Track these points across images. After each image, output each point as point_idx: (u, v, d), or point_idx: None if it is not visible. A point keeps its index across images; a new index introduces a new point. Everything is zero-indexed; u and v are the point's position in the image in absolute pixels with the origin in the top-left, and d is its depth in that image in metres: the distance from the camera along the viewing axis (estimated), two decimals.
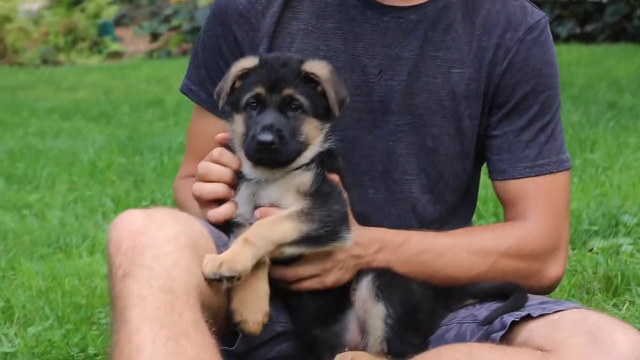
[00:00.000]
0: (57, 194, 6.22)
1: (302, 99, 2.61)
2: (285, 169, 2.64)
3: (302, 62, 2.65)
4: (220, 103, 2.67)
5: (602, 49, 12.89)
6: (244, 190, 2.69)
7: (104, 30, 17.98)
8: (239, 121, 2.66)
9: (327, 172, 2.68)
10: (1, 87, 13.19)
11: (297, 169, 2.65)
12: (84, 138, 8.52)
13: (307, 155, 2.65)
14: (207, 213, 2.70)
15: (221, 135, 2.75)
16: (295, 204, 2.62)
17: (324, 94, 2.64)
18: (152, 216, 2.52)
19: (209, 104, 2.98)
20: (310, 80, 2.64)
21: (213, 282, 2.48)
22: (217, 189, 2.69)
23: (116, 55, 17.58)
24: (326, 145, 2.69)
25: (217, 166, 2.70)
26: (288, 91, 2.61)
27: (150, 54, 17.26)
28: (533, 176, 2.86)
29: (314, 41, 2.87)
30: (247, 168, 2.67)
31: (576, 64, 11.28)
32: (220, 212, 2.69)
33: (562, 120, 2.94)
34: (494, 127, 2.88)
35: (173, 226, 2.51)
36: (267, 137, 2.54)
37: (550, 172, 2.87)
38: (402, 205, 2.91)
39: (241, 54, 2.86)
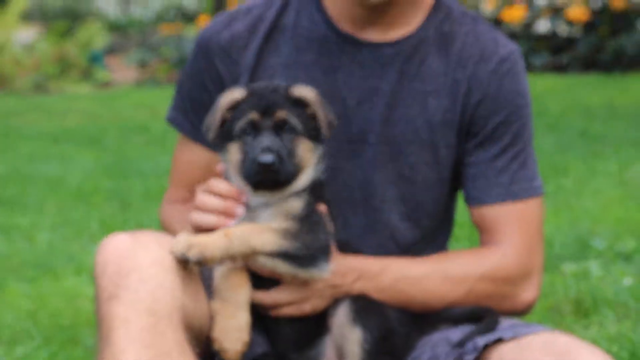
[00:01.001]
0: (45, 217, 6.24)
1: (294, 121, 2.66)
2: (282, 192, 2.68)
3: (289, 87, 2.72)
4: (210, 136, 2.71)
5: (574, 79, 12.97)
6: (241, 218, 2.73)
7: (94, 59, 18.01)
8: (233, 149, 2.70)
9: (316, 202, 2.72)
10: None
11: (290, 195, 2.69)
12: (72, 162, 8.52)
13: (304, 178, 2.70)
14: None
15: (220, 167, 2.79)
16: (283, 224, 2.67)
17: (313, 116, 2.70)
18: (137, 239, 2.56)
19: (193, 135, 3.03)
20: (300, 104, 2.69)
21: (179, 259, 2.52)
22: (210, 221, 2.72)
23: (106, 83, 17.60)
24: (320, 169, 2.74)
25: (213, 197, 2.74)
26: (281, 114, 2.65)
27: (139, 83, 17.28)
28: (507, 201, 2.90)
29: (294, 73, 2.91)
30: (247, 192, 2.71)
31: (550, 92, 11.31)
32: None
33: (536, 147, 2.98)
34: (470, 155, 2.93)
35: (158, 249, 2.55)
36: (267, 158, 2.59)
37: (523, 198, 2.91)
38: (382, 232, 2.95)
39: (223, 88, 2.90)
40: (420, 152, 2.92)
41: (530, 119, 2.98)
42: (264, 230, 2.62)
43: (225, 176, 2.76)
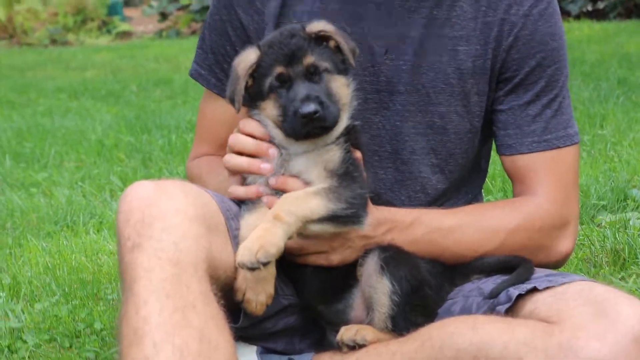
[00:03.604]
0: (64, 173, 6.23)
1: (322, 62, 2.59)
2: (325, 138, 2.62)
3: (304, 27, 2.64)
4: (236, 106, 2.64)
5: (613, 25, 12.84)
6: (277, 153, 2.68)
7: (112, 10, 17.98)
8: (268, 107, 2.63)
9: (352, 149, 2.67)
10: (10, 67, 13.23)
11: (328, 143, 2.64)
12: (92, 117, 8.53)
13: (344, 118, 2.64)
14: (230, 187, 2.72)
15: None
16: (319, 179, 2.61)
17: (337, 48, 2.63)
18: (162, 188, 2.52)
19: (219, 89, 2.99)
20: (321, 40, 2.63)
21: (250, 270, 2.48)
22: (242, 163, 2.69)
23: (125, 35, 17.58)
24: (354, 104, 2.67)
25: (243, 136, 2.70)
26: (309, 59, 2.59)
27: (159, 34, 17.25)
28: (540, 151, 2.85)
29: None
30: (284, 140, 2.65)
31: (587, 41, 11.23)
32: (239, 192, 2.70)
33: (572, 97, 2.92)
34: (501, 102, 2.87)
35: (183, 198, 2.51)
36: (309, 107, 2.52)
37: (558, 147, 2.85)
38: (412, 185, 2.91)
39: (247, 38, 2.87)
40: (451, 101, 2.85)
41: (566, 63, 2.90)
42: (309, 196, 2.56)
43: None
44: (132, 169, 6.21)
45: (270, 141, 2.67)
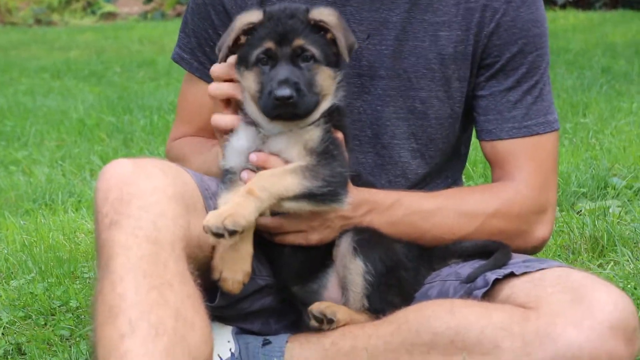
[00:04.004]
0: (45, 151, 6.22)
1: (313, 48, 2.56)
2: (301, 122, 2.60)
3: (308, 10, 2.60)
4: (220, 56, 2.61)
5: (598, 15, 12.88)
6: (248, 131, 2.65)
7: None
8: (250, 78, 2.60)
9: (334, 129, 2.65)
10: None
11: (308, 124, 2.61)
12: (74, 97, 8.50)
13: (323, 107, 2.61)
14: (213, 116, 2.70)
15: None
16: (299, 158, 2.59)
17: (333, 40, 2.59)
18: (140, 166, 2.51)
19: (201, 72, 2.97)
20: (319, 29, 2.59)
21: (215, 235, 2.45)
22: (229, 88, 2.66)
23: (110, 16, 17.49)
24: (340, 95, 2.65)
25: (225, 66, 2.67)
26: (299, 42, 2.55)
27: (144, 16, 17.17)
28: (520, 137, 2.84)
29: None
30: (259, 117, 2.62)
31: (572, 30, 11.27)
32: (225, 119, 2.68)
33: (556, 85, 2.92)
34: (482, 88, 2.86)
35: (161, 176, 2.49)
36: (284, 91, 2.49)
37: (538, 133, 2.85)
38: (392, 169, 2.90)
39: (229, 21, 2.80)
40: (432, 86, 2.84)
41: (547, 50, 2.89)
42: (285, 173, 2.54)
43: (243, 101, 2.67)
44: (113, 149, 6.20)
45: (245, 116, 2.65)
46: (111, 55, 11.67)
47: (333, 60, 2.61)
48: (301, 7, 2.62)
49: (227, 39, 2.61)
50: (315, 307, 2.66)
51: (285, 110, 2.54)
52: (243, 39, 2.61)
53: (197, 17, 2.95)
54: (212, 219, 2.44)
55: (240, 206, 2.46)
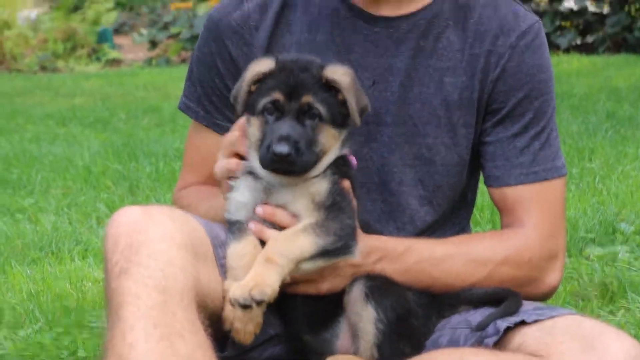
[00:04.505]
0: (51, 199, 6.20)
1: (320, 107, 2.55)
2: (299, 177, 2.59)
3: (323, 67, 2.59)
4: (238, 109, 2.62)
5: (602, 59, 12.92)
6: (251, 183, 2.65)
7: (102, 37, 17.98)
8: (255, 125, 2.60)
9: (340, 179, 2.64)
10: None
11: (313, 177, 2.61)
12: (79, 144, 8.50)
13: (323, 164, 2.60)
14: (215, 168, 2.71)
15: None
16: (306, 212, 2.59)
17: (344, 101, 2.58)
18: (149, 213, 2.51)
19: (207, 121, 2.99)
20: (331, 87, 2.58)
21: (243, 307, 2.45)
22: (232, 163, 2.67)
23: (115, 62, 17.58)
24: (342, 152, 2.64)
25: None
26: (307, 98, 2.54)
27: (148, 62, 17.27)
28: (528, 183, 2.84)
29: (307, 53, 2.81)
30: (260, 171, 2.62)
31: (576, 74, 11.29)
32: (224, 164, 2.68)
33: (561, 130, 2.93)
34: (488, 134, 2.87)
35: (170, 224, 2.50)
36: (283, 148, 2.49)
37: (546, 179, 2.85)
38: (400, 217, 2.90)
39: (236, 70, 2.86)
40: (438, 133, 2.84)
41: (553, 95, 2.90)
42: (298, 235, 2.54)
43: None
44: (119, 197, 6.19)
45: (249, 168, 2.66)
46: (116, 101, 11.70)
47: (340, 120, 2.59)
48: (316, 62, 2.61)
49: (240, 91, 2.61)
50: None
51: (281, 167, 2.53)
52: (253, 87, 2.61)
53: (203, 67, 2.97)
54: (238, 291, 2.44)
55: (263, 276, 2.47)
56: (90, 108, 11.11)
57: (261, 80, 2.60)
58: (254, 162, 2.62)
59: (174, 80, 13.27)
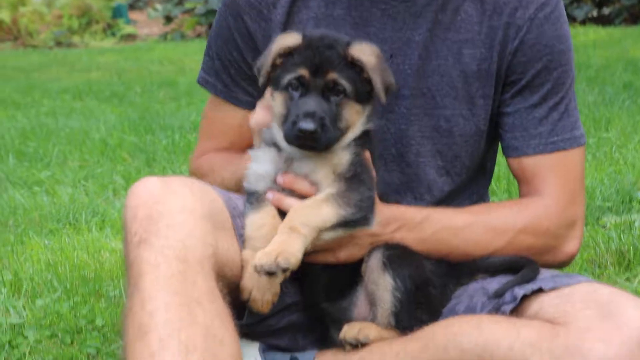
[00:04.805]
0: (68, 171, 6.24)
1: (345, 83, 2.56)
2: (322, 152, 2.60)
3: (349, 44, 2.60)
4: (261, 80, 2.63)
5: (619, 31, 12.87)
6: (271, 154, 2.66)
7: (117, 12, 18.00)
8: (278, 100, 2.61)
9: (362, 151, 2.65)
10: (14, 68, 13.26)
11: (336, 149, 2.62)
12: (95, 118, 8.54)
13: (348, 138, 2.62)
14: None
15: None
16: (327, 182, 2.60)
17: (369, 79, 2.58)
18: (169, 184, 2.53)
19: (225, 95, 2.99)
20: (356, 65, 2.59)
21: (268, 274, 2.47)
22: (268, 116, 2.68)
23: (130, 37, 17.61)
24: (365, 128, 2.65)
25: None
26: (332, 75, 2.55)
27: (164, 37, 17.27)
28: (547, 153, 2.84)
29: (326, 29, 2.82)
30: (283, 143, 2.63)
31: (592, 46, 11.25)
32: (261, 116, 2.70)
33: (578, 101, 2.91)
34: (507, 105, 2.86)
35: (189, 195, 2.51)
36: (309, 125, 2.50)
37: (564, 149, 2.85)
38: (417, 188, 2.90)
39: (254, 45, 2.87)
40: (456, 105, 2.84)
41: (572, 65, 2.89)
42: (319, 204, 2.56)
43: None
44: (135, 169, 6.22)
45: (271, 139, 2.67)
46: (132, 76, 11.73)
47: (364, 96, 2.61)
48: (342, 40, 2.62)
49: (265, 62, 2.62)
50: (349, 335, 2.66)
51: (305, 143, 2.54)
52: (279, 61, 2.62)
53: (221, 41, 2.97)
54: (264, 258, 2.45)
55: (287, 244, 2.48)
56: (106, 82, 11.15)
57: (287, 55, 2.61)
58: (277, 134, 2.64)
59: (189, 55, 13.29)
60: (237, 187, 2.80)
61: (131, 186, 2.55)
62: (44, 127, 8.02)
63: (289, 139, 2.56)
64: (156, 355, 2.27)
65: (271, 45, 2.63)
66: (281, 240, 2.50)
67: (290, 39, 2.61)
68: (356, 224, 2.61)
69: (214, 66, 3.00)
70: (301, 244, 2.49)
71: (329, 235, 2.59)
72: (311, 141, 2.52)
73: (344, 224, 2.58)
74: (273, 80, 2.63)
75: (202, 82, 3.05)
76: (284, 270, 2.45)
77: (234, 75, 2.96)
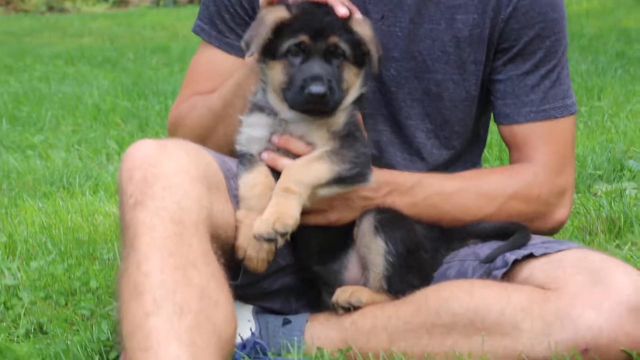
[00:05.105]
0: (61, 136, 6.25)
1: (345, 47, 2.58)
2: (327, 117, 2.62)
3: (347, 19, 2.61)
4: (251, 51, 2.62)
5: (612, 1, 12.83)
6: (266, 119, 2.67)
7: None
8: (276, 69, 2.62)
9: (355, 111, 2.67)
10: (6, 33, 13.21)
11: None
12: (88, 83, 8.53)
13: (347, 101, 2.64)
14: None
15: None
16: (321, 141, 2.62)
17: (363, 42, 2.61)
18: (164, 147, 2.53)
19: (219, 41, 2.99)
20: (352, 32, 2.61)
21: (268, 241, 2.49)
22: None
23: (122, 3, 17.51)
24: (361, 91, 2.68)
25: None
26: (333, 39, 2.57)
27: (156, 3, 17.19)
28: (538, 121, 2.85)
29: None
30: (278, 105, 2.64)
31: (586, 15, 11.27)
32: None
33: (570, 69, 2.91)
34: (499, 72, 2.87)
35: (185, 158, 2.52)
36: (319, 88, 2.52)
37: (555, 117, 2.86)
38: (407, 150, 2.92)
39: None
40: (447, 69, 2.85)
41: (565, 34, 2.89)
42: (313, 162, 2.57)
43: (260, 91, 2.69)
44: (128, 133, 6.22)
45: (267, 105, 2.67)
46: (124, 41, 11.70)
47: (360, 59, 2.63)
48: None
49: (259, 33, 2.60)
50: (341, 298, 2.69)
51: (315, 106, 2.56)
52: (271, 34, 2.61)
53: None
54: (262, 226, 2.48)
55: (283, 206, 2.50)
56: (99, 48, 11.12)
57: (279, 27, 2.61)
58: (273, 101, 2.65)
59: (182, 20, 13.25)
60: (225, 105, 2.81)
61: (126, 149, 2.56)
62: (36, 91, 8.01)
63: (296, 104, 2.57)
64: (151, 315, 2.29)
65: (261, 19, 2.62)
66: (277, 203, 2.51)
67: (280, 12, 2.61)
68: (353, 181, 2.63)
69: (209, 12, 3.00)
70: (297, 204, 2.51)
71: (324, 192, 2.60)
72: (321, 104, 2.54)
73: (339, 180, 2.59)
74: (267, 51, 2.62)
75: (198, 30, 3.04)
76: (283, 235, 2.48)
77: (227, 20, 2.96)
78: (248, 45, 2.63)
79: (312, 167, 2.57)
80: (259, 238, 2.48)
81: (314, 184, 2.55)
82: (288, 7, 2.62)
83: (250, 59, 2.67)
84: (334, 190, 2.62)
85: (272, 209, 2.51)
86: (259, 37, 2.60)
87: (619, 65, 7.60)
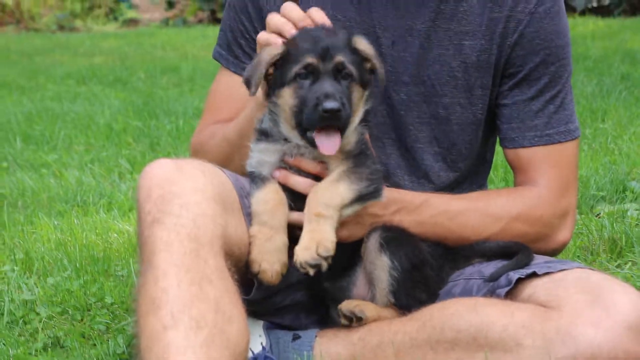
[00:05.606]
0: (74, 155, 6.28)
1: (351, 67, 2.63)
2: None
3: (350, 36, 2.67)
4: (252, 90, 2.67)
5: (618, 22, 12.84)
6: (276, 146, 2.73)
7: None
8: (286, 94, 2.66)
9: (365, 131, 2.73)
10: (18, 52, 13.21)
11: None
12: (100, 102, 8.54)
13: (355, 121, 2.68)
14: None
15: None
16: (335, 161, 2.68)
17: (365, 60, 2.67)
18: (181, 166, 2.59)
19: (235, 67, 3.06)
20: (356, 52, 2.66)
21: (313, 267, 2.56)
22: (271, 38, 2.71)
23: (132, 22, 17.58)
24: (365, 109, 2.72)
25: (280, 17, 2.72)
26: (340, 59, 2.62)
27: (165, 22, 17.25)
28: (542, 145, 2.91)
29: (331, 11, 2.90)
30: (290, 133, 2.69)
31: (591, 37, 11.23)
32: (266, 36, 2.72)
33: (575, 92, 2.97)
34: (505, 96, 2.93)
35: (201, 177, 2.58)
36: (332, 104, 2.55)
37: (559, 142, 2.92)
38: (415, 172, 2.98)
39: (263, 17, 2.89)
40: (455, 93, 2.91)
41: (570, 60, 2.95)
42: (334, 184, 2.63)
43: (270, 121, 2.73)
44: (140, 153, 6.26)
45: (278, 133, 2.72)
46: (135, 61, 11.70)
47: (365, 80, 2.68)
48: (342, 31, 2.70)
49: (257, 71, 2.65)
50: (345, 307, 2.74)
51: (330, 122, 2.59)
52: (271, 69, 2.68)
53: (234, 11, 3.05)
54: (306, 255, 2.55)
55: (319, 232, 2.57)
56: (110, 67, 11.12)
57: (278, 61, 2.66)
58: (285, 130, 2.69)
59: (191, 41, 13.25)
60: (240, 136, 2.86)
61: (144, 168, 2.62)
62: (49, 111, 8.04)
63: (312, 123, 2.60)
64: (168, 329, 2.34)
65: (258, 57, 2.68)
66: (311, 229, 2.58)
67: (274, 50, 2.66)
68: (370, 197, 2.69)
69: (226, 38, 3.07)
70: (330, 226, 2.58)
71: (348, 212, 2.66)
72: (335, 120, 2.57)
73: (359, 198, 2.66)
74: (273, 85, 2.69)
75: (217, 56, 3.12)
76: (326, 259, 2.55)
77: (244, 46, 3.03)
78: (248, 84, 2.69)
79: (335, 189, 2.63)
80: (304, 266, 2.55)
81: (340, 205, 2.62)
82: (285, 42, 2.67)
83: (259, 94, 2.74)
84: (355, 208, 2.68)
85: (309, 235, 2.57)
86: (257, 76, 2.66)
87: (624, 87, 7.59)
